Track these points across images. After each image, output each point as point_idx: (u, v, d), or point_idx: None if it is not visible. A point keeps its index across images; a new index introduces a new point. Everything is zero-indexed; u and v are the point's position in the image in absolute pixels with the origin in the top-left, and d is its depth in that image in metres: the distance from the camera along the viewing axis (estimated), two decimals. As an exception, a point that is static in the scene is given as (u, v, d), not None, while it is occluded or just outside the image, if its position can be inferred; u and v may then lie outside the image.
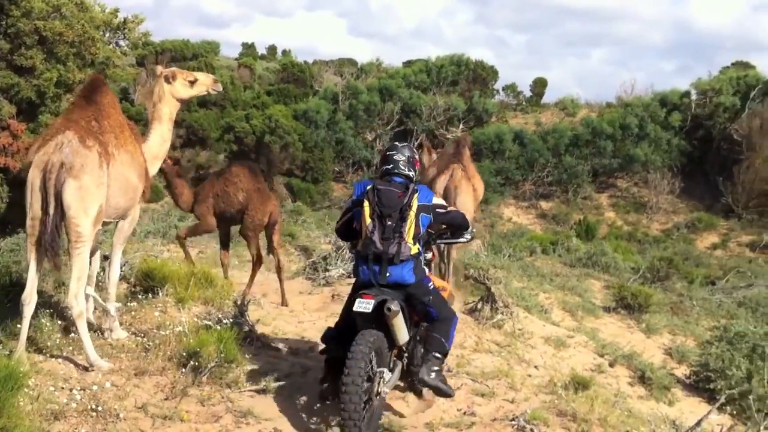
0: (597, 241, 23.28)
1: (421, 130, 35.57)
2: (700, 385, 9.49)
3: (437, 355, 5.86)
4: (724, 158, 32.41)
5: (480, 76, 39.96)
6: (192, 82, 7.08)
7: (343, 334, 5.81)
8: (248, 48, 55.02)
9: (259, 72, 44.14)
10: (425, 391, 6.44)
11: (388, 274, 5.65)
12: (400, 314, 5.65)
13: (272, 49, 57.65)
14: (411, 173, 6.01)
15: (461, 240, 6.56)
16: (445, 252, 10.19)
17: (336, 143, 34.19)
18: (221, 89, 7.62)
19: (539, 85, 42.35)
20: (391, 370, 5.88)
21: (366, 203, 5.74)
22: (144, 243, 12.55)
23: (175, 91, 6.97)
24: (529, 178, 33.54)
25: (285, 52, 55.36)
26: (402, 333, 5.75)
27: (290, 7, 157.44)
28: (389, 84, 36.96)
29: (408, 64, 43.93)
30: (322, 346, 6.17)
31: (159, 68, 7.10)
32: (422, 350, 5.97)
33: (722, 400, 8.42)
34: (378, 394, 5.61)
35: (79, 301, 5.86)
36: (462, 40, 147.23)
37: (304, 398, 6.24)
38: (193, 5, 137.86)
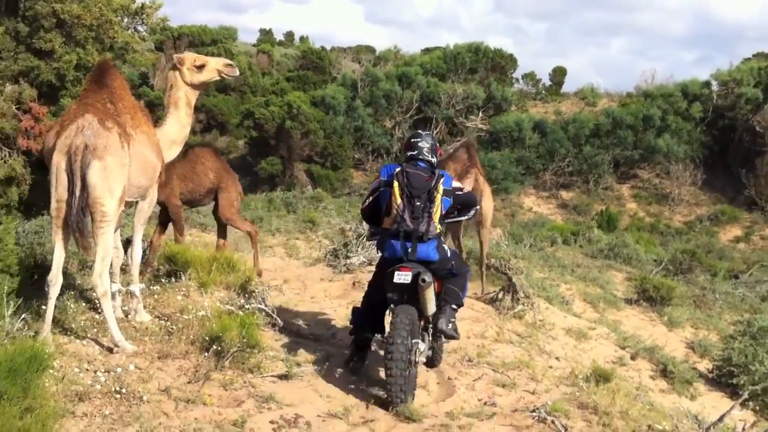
0: (618, 232, 23.15)
1: (440, 118, 35.44)
2: (723, 380, 9.43)
3: (454, 306, 6.40)
4: (746, 150, 32.10)
5: (498, 64, 39.67)
6: (199, 67, 7.05)
7: (371, 314, 6.48)
8: (266, 34, 54.97)
9: (277, 58, 44.12)
10: (446, 379, 6.66)
11: (417, 251, 6.10)
12: (432, 285, 6.10)
13: (290, 35, 57.60)
14: (433, 159, 6.48)
15: (464, 218, 7.00)
16: (459, 233, 10.47)
17: (355, 130, 34.10)
18: (237, 74, 7.48)
19: (558, 73, 42.02)
20: (423, 341, 6.31)
21: (396, 184, 6.18)
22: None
23: (184, 76, 6.98)
24: (550, 168, 33.30)
25: (302, 39, 55.32)
26: (431, 304, 6.22)
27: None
28: (408, 71, 36.77)
29: (426, 51, 43.73)
30: (350, 327, 6.75)
31: (176, 56, 7.10)
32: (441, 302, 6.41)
33: (745, 395, 8.36)
34: (415, 363, 6.11)
35: (103, 281, 5.91)
36: (480, 29, 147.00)
37: (325, 384, 6.24)
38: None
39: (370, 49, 48.91)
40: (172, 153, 7.04)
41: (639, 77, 41.10)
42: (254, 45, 48.41)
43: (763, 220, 29.58)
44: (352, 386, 6.28)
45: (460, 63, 38.37)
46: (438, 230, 6.21)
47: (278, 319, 7.43)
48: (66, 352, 5.72)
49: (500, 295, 9.46)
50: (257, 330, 6.39)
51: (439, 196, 6.21)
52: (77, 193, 5.65)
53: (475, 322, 8.67)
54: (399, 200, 6.14)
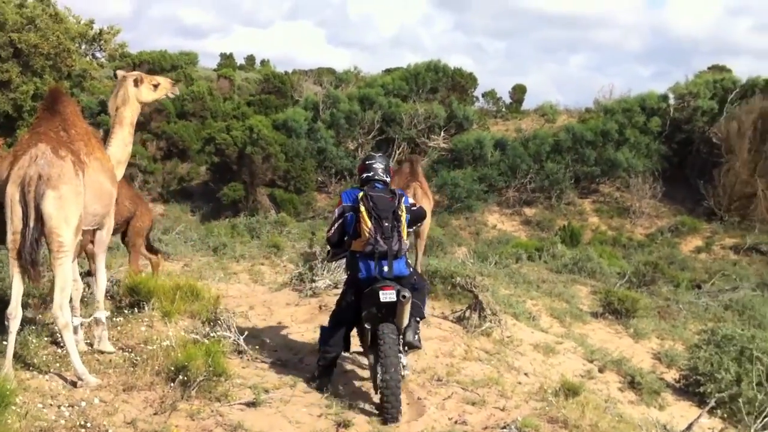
0: (582, 246, 23.32)
1: (402, 138, 35.53)
2: (690, 389, 9.51)
3: (417, 319, 6.83)
4: (704, 161, 32.54)
5: (459, 83, 39.92)
6: (155, 86, 7.24)
7: (340, 332, 6.76)
8: (227, 58, 54.85)
9: (238, 82, 44.05)
10: (416, 399, 6.74)
11: (393, 269, 6.48)
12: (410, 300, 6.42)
13: (251, 59, 57.50)
14: (387, 179, 6.92)
15: (410, 230, 7.46)
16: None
17: (317, 153, 34.06)
18: (178, 92, 7.83)
19: (518, 91, 42.38)
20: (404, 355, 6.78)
21: (363, 208, 6.49)
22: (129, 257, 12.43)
23: (140, 94, 7.10)
24: (512, 185, 33.50)
25: (263, 62, 55.31)
26: (407, 317, 6.53)
27: (269, 18, 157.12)
28: (369, 93, 36.87)
29: (387, 72, 43.90)
30: (317, 350, 7.00)
31: (120, 72, 7.21)
32: None
33: (712, 403, 8.47)
34: (403, 377, 6.61)
35: (64, 313, 5.85)
36: (441, 48, 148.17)
37: (294, 409, 6.19)
38: (171, 16, 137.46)
39: (332, 71, 48.93)
40: (118, 173, 6.99)
41: (597, 93, 41.52)
42: (215, 70, 48.27)
43: (722, 230, 29.96)
44: (321, 411, 6.23)
45: (420, 83, 38.56)
46: (405, 246, 6.63)
47: (245, 345, 7.36)
48: (29, 388, 5.61)
49: (467, 313, 9.46)
50: (223, 358, 6.34)
51: (403, 215, 6.62)
52: (31, 224, 5.61)
53: (443, 341, 8.66)
54: (369, 223, 6.44)
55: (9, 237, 5.71)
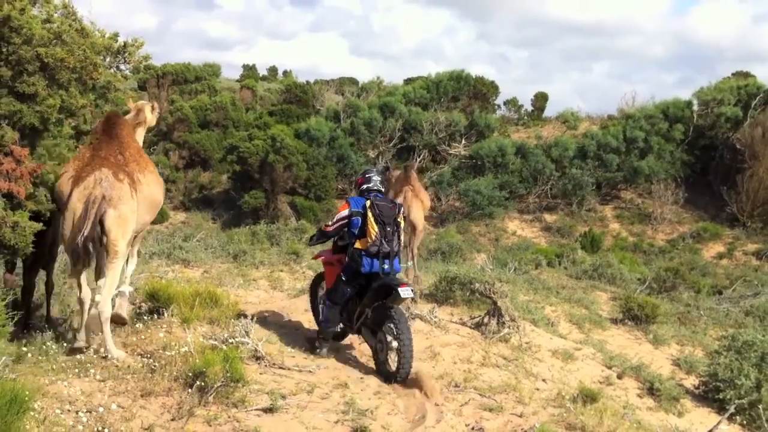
0: (602, 252, 23.19)
1: (422, 146, 35.58)
2: (710, 396, 9.44)
3: None
4: (727, 167, 32.29)
5: (480, 91, 39.84)
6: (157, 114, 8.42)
7: (341, 310, 7.96)
8: (249, 69, 55.24)
9: (260, 93, 44.30)
10: (434, 405, 6.69)
11: (392, 266, 7.77)
12: None
13: (273, 70, 57.91)
14: (383, 188, 8.34)
15: None
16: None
17: (338, 160, 34.15)
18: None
19: (540, 99, 42.19)
20: None
21: (370, 214, 7.67)
22: (149, 264, 12.54)
23: (152, 120, 8.29)
24: (533, 191, 33.43)
25: (286, 73, 55.63)
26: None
27: (293, 30, 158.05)
28: (390, 101, 36.89)
29: (408, 81, 43.90)
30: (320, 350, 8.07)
31: (140, 102, 8.39)
32: None
33: (732, 409, 8.41)
34: None
35: (106, 309, 6.71)
36: (464, 58, 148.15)
37: (311, 415, 6.22)
38: (196, 30, 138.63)
39: (354, 81, 49.03)
40: None
41: (620, 100, 41.28)
42: (238, 81, 48.59)
43: (745, 236, 29.69)
44: (338, 417, 6.26)
45: (442, 91, 38.55)
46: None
47: (262, 351, 7.41)
48: (47, 394, 5.69)
49: (486, 319, 9.46)
50: (241, 364, 6.39)
51: (402, 222, 7.99)
52: (85, 232, 6.49)
53: (461, 347, 8.67)
54: (376, 227, 7.62)
55: (68, 238, 6.58)
